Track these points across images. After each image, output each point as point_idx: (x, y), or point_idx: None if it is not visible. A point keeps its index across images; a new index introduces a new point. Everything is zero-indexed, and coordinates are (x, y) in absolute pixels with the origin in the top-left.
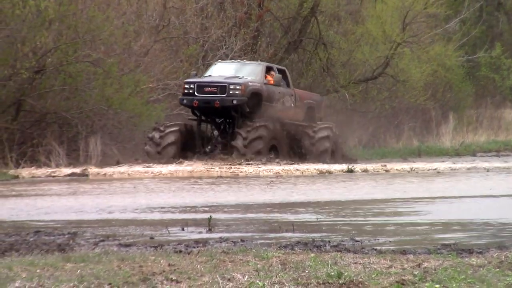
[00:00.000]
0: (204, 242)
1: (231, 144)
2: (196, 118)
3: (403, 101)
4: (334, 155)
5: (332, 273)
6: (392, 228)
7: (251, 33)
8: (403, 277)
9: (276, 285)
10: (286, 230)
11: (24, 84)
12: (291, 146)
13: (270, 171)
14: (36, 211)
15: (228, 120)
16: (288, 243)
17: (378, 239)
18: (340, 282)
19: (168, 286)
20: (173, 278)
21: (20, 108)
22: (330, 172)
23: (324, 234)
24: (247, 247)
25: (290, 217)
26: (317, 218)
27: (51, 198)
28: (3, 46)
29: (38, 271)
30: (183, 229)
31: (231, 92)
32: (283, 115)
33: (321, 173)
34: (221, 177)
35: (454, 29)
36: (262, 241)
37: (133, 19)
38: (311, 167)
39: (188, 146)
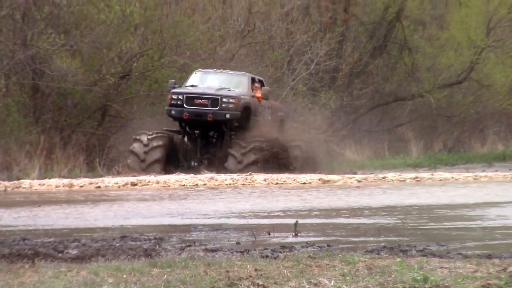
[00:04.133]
0: (290, 247)
1: (224, 166)
2: (179, 130)
3: (487, 106)
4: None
5: (418, 278)
6: (477, 232)
7: (336, 38)
8: (489, 281)
9: None
10: (372, 234)
11: (110, 90)
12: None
13: (352, 178)
14: (121, 215)
15: (214, 134)
16: (374, 247)
17: (463, 243)
18: (426, 286)
19: None
20: (259, 283)
21: (106, 113)
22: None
23: (409, 238)
24: (333, 252)
25: (375, 221)
26: (402, 222)
27: (133, 203)
28: (89, 52)
29: (124, 276)
30: (269, 234)
31: (223, 105)
32: (266, 130)
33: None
34: (308, 183)
35: None
36: (348, 245)
37: (219, 24)
38: (393, 175)
39: (170, 159)
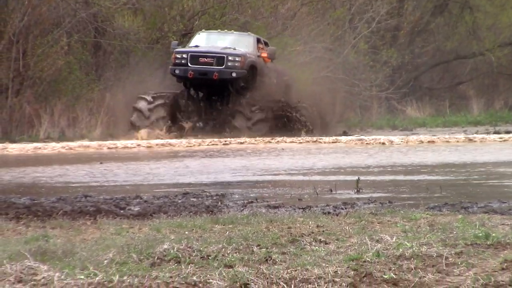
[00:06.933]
0: (352, 203)
1: (233, 124)
2: (182, 92)
3: None
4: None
5: (480, 235)
6: None
7: None
8: None
9: (424, 246)
10: (433, 191)
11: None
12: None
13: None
14: (184, 172)
15: (217, 97)
16: (436, 204)
17: None
18: (488, 243)
19: (316, 247)
20: (321, 240)
21: (168, 71)
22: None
23: (470, 195)
24: (395, 208)
25: (437, 178)
26: (464, 179)
27: (197, 160)
28: (151, 10)
29: (186, 233)
30: (331, 191)
31: (229, 64)
32: (272, 92)
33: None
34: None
35: None
36: (410, 202)
37: None
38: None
39: (174, 120)
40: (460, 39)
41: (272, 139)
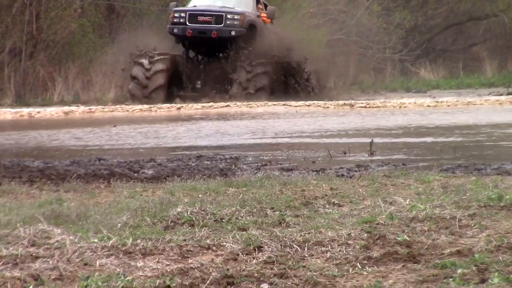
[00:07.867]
0: (366, 166)
1: (229, 92)
2: (181, 54)
3: None
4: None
5: (493, 196)
6: None
7: None
8: None
9: (438, 208)
10: (447, 153)
11: None
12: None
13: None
14: (200, 135)
15: (217, 54)
16: (449, 166)
17: None
18: (501, 205)
19: (330, 210)
20: (335, 202)
21: None
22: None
23: (483, 156)
24: (408, 171)
25: (450, 140)
26: (477, 141)
27: (214, 123)
28: None
29: (200, 196)
30: (345, 153)
31: (228, 22)
32: (272, 53)
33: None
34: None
35: None
36: (423, 164)
37: None
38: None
39: (174, 81)
40: (473, 0)
41: (285, 102)
